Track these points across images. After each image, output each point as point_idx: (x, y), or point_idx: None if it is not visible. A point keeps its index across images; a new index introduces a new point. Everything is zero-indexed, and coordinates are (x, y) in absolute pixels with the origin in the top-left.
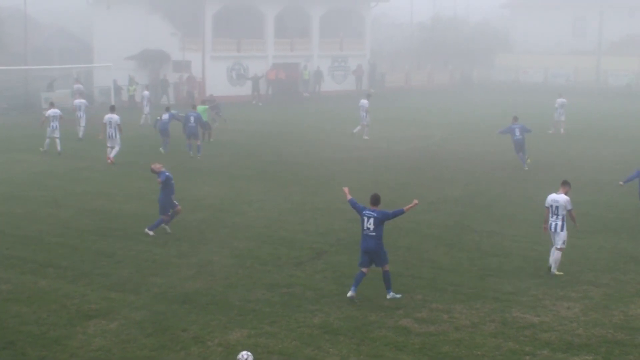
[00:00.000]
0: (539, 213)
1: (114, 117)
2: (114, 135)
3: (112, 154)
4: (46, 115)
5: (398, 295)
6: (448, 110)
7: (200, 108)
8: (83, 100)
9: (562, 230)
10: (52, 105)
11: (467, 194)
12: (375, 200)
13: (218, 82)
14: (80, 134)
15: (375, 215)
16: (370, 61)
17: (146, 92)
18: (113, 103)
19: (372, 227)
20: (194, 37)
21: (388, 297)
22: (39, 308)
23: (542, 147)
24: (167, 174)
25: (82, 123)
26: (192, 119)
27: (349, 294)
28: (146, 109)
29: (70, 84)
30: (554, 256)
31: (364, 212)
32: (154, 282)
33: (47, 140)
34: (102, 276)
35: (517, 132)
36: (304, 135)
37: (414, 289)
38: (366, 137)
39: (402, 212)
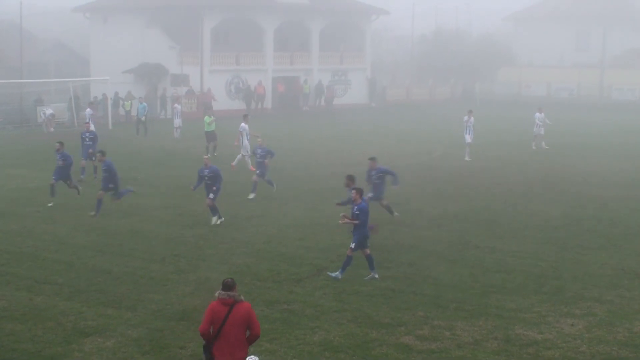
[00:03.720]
0: (542, 229)
1: (244, 126)
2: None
3: (235, 161)
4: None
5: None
6: (449, 124)
7: (207, 119)
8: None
9: None
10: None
11: (469, 209)
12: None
13: (216, 96)
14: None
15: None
16: (368, 76)
17: (177, 106)
18: (110, 116)
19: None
20: (192, 51)
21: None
22: (34, 325)
23: (544, 163)
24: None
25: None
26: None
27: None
28: (177, 122)
29: (67, 98)
30: None
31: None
32: (151, 298)
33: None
34: (98, 293)
35: None
36: (304, 149)
37: (415, 305)
38: (468, 159)
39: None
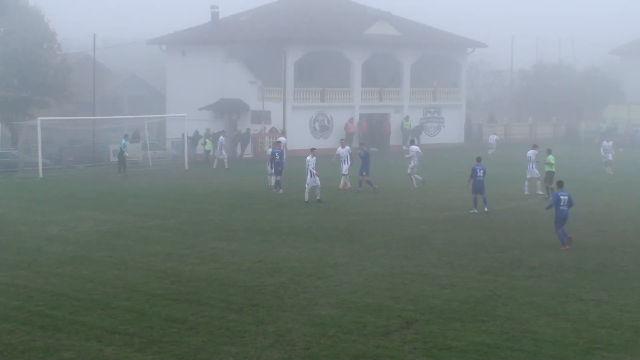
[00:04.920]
0: None
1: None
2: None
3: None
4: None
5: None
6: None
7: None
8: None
9: None
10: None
11: (572, 258)
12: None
13: (300, 134)
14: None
15: (484, 168)
16: (466, 115)
17: (222, 138)
18: (186, 155)
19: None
20: (274, 86)
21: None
22: None
23: None
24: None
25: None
26: (277, 155)
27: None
28: (222, 154)
29: (140, 134)
30: None
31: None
32: (228, 351)
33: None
34: (171, 344)
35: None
36: (393, 192)
37: None
38: (540, 192)
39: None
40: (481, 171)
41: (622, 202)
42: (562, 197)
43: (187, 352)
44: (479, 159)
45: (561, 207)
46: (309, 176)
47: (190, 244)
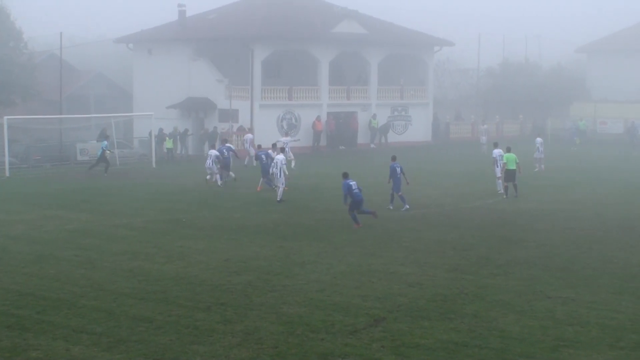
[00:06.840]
0: (619, 277)
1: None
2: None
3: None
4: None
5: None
6: (519, 164)
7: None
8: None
9: None
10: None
11: (539, 255)
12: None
13: (267, 132)
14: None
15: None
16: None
17: (250, 135)
18: (154, 154)
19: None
20: (241, 84)
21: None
22: None
23: (622, 205)
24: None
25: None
26: (225, 151)
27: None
28: (252, 151)
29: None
30: None
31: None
32: (195, 350)
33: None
34: (139, 343)
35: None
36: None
37: None
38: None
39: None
40: (399, 169)
41: (589, 200)
42: (351, 184)
43: (155, 351)
44: (394, 158)
45: (354, 191)
46: (278, 174)
47: (157, 242)
